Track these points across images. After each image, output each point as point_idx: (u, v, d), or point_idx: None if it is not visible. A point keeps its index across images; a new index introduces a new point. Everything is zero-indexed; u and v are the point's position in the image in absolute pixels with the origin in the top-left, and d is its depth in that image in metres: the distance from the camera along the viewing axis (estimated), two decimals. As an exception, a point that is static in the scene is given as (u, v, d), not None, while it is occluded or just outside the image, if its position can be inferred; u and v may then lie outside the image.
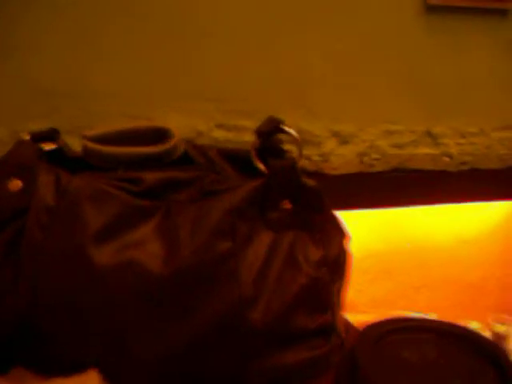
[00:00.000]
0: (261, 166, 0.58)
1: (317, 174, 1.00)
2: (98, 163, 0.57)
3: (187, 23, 0.88)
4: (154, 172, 0.55)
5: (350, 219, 1.18)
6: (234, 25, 0.91)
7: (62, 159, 0.59)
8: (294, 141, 0.61)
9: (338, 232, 0.62)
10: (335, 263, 0.59)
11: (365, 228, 1.24)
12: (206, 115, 0.93)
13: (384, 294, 1.31)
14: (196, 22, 0.89)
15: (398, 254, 1.30)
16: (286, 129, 0.60)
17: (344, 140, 1.02)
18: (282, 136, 0.63)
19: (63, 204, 0.51)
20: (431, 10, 1.03)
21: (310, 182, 0.59)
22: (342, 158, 1.02)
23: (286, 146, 0.67)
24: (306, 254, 0.56)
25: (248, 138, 0.94)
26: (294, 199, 0.58)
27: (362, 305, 1.21)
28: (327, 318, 0.58)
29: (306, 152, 0.98)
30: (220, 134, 0.93)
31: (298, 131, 0.95)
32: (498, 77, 1.14)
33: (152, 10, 0.86)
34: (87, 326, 0.50)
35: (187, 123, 0.91)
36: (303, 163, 0.98)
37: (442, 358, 0.31)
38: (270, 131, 0.60)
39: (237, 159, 0.63)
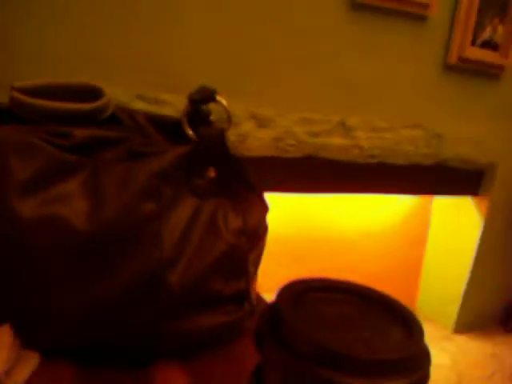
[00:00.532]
0: (190, 133, 0.58)
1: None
2: (26, 116, 0.55)
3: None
4: (83, 128, 0.54)
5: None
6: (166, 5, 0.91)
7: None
8: (224, 111, 0.61)
9: (260, 204, 0.63)
10: (254, 233, 0.60)
11: (274, 212, 1.27)
12: (127, 85, 0.91)
13: (287, 278, 1.35)
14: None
15: (304, 241, 1.34)
16: (219, 98, 0.61)
17: (262, 123, 1.03)
18: (213, 106, 0.64)
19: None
20: (357, 7, 1.07)
21: (235, 154, 0.60)
22: (258, 141, 1.03)
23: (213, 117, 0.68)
24: (227, 221, 0.57)
25: (168, 112, 0.94)
26: (220, 168, 0.58)
27: (267, 287, 1.24)
28: (242, 285, 0.60)
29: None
30: (140, 106, 0.92)
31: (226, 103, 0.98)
32: (412, 78, 1.20)
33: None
34: (7, 277, 0.49)
35: (108, 92, 0.89)
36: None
37: (357, 314, 0.34)
38: (203, 99, 0.60)
39: (164, 125, 0.63)
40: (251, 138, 1.03)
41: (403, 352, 0.30)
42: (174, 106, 0.95)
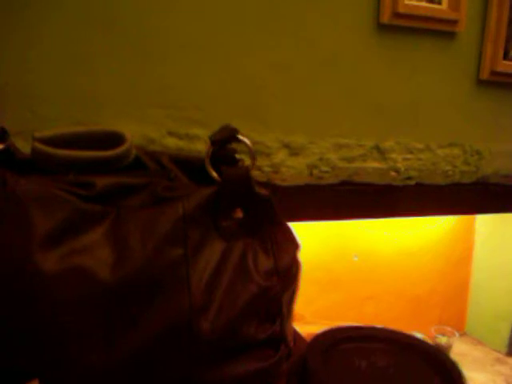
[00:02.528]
0: (214, 174, 0.57)
1: (267, 185, 1.01)
2: (47, 166, 0.55)
3: (143, 32, 0.88)
4: (105, 177, 0.54)
5: (299, 230, 1.20)
6: (189, 33, 0.91)
7: (9, 161, 0.57)
8: (247, 150, 0.61)
9: (290, 242, 0.62)
10: (286, 273, 0.59)
11: (313, 239, 1.25)
12: (157, 122, 0.92)
13: (331, 305, 1.32)
14: (152, 31, 0.89)
15: (346, 266, 1.32)
16: (241, 137, 0.60)
17: (294, 152, 1.03)
18: (235, 145, 0.64)
19: (9, 206, 0.49)
20: (383, 28, 1.06)
21: (263, 191, 0.59)
22: (292, 170, 1.03)
23: (239, 156, 0.67)
24: (257, 263, 0.56)
25: (199, 147, 0.94)
26: (247, 208, 0.57)
27: (309, 316, 1.22)
28: (276, 328, 0.58)
29: (257, 163, 0.99)
30: (171, 142, 0.93)
31: (251, 142, 0.97)
32: (444, 96, 1.18)
33: (109, 17, 0.85)
34: (31, 334, 0.49)
35: (138, 130, 0.90)
36: (254, 173, 0.98)
37: (391, 367, 0.32)
38: (225, 139, 0.60)
39: (189, 166, 0.62)
40: (284, 167, 1.02)
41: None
42: (205, 140, 0.95)
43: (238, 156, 0.65)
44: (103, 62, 0.87)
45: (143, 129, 0.91)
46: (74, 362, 0.49)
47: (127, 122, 0.90)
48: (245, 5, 0.94)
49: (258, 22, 0.96)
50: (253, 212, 0.58)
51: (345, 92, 1.06)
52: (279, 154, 1.01)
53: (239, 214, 0.57)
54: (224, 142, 0.59)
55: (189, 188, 0.57)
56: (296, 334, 0.67)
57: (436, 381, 0.30)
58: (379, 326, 1.18)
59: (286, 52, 0.99)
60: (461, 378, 0.30)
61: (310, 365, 0.29)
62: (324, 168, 1.06)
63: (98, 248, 0.50)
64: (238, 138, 0.60)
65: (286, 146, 1.02)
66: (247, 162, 0.63)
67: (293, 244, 0.62)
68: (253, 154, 0.60)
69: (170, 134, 0.93)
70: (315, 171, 1.05)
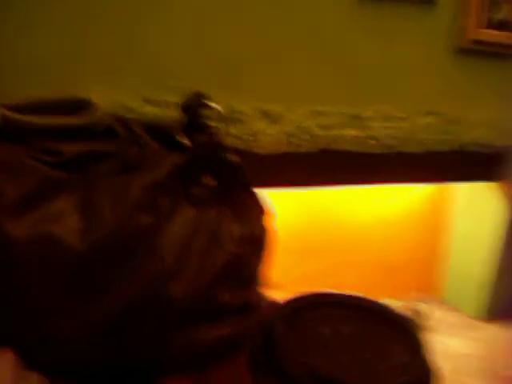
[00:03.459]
0: (185, 141, 0.57)
1: (246, 153, 1.01)
2: (16, 134, 0.55)
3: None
4: (74, 144, 0.54)
5: (277, 198, 1.20)
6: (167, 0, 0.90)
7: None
8: (219, 116, 0.60)
9: (261, 209, 0.63)
10: (258, 240, 0.60)
11: (291, 207, 1.25)
12: (134, 90, 0.91)
13: (310, 273, 1.34)
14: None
15: (323, 235, 1.33)
16: (211, 104, 0.60)
17: (272, 120, 1.02)
18: (209, 112, 0.63)
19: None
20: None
21: (234, 158, 0.59)
22: (270, 138, 1.03)
23: (213, 123, 0.67)
24: (229, 230, 0.57)
25: (176, 115, 0.93)
26: (217, 175, 0.58)
27: (288, 283, 1.23)
28: (248, 294, 0.59)
29: (236, 131, 0.98)
30: (149, 110, 0.92)
31: (229, 110, 0.97)
32: (424, 64, 1.18)
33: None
34: (5, 303, 0.49)
35: (116, 98, 0.89)
36: (233, 141, 0.98)
37: (355, 333, 0.32)
38: (195, 106, 0.60)
39: (160, 133, 0.62)
40: (263, 135, 1.02)
41: (405, 376, 0.29)
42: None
43: (213, 123, 0.65)
44: (80, 28, 0.85)
45: (121, 97, 0.89)
46: (47, 331, 0.50)
47: (104, 89, 0.89)
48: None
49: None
50: (224, 179, 0.58)
51: (323, 60, 1.06)
52: (258, 122, 1.01)
53: (210, 181, 0.57)
54: (194, 108, 0.59)
55: (159, 155, 0.57)
56: (268, 302, 0.68)
57: (399, 346, 0.31)
58: (348, 292, 1.21)
59: (263, 20, 0.98)
60: (420, 345, 0.30)
61: (274, 333, 0.29)
62: (302, 136, 1.06)
63: (67, 215, 0.50)
64: (207, 104, 0.59)
65: (265, 114, 1.01)
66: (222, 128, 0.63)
67: (264, 211, 0.63)
68: (224, 120, 0.60)
69: (147, 100, 0.92)
70: (293, 139, 1.05)
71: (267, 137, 1.03)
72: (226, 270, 0.55)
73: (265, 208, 0.63)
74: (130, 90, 0.91)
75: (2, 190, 0.48)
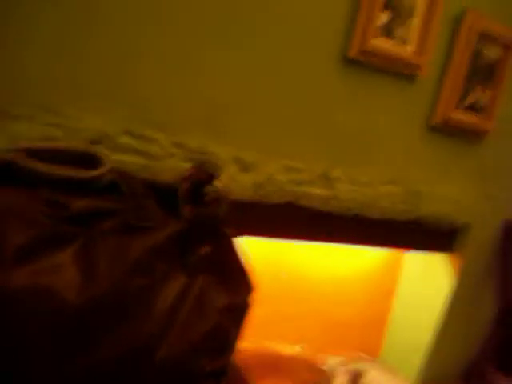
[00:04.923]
0: (186, 212, 0.59)
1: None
2: (27, 180, 0.55)
3: (114, 26, 0.87)
4: (80, 198, 0.55)
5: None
6: (158, 38, 0.91)
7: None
8: (221, 196, 0.62)
9: (246, 284, 0.65)
10: (239, 311, 0.62)
11: (248, 254, 1.27)
12: (116, 119, 0.91)
13: (255, 320, 1.34)
14: (123, 29, 0.88)
15: (276, 283, 1.34)
16: (217, 184, 0.62)
17: (245, 167, 1.04)
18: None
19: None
20: (349, 62, 1.09)
21: (230, 231, 0.61)
22: (239, 185, 1.04)
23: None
24: (215, 299, 0.58)
25: (153, 150, 0.94)
26: (212, 246, 0.59)
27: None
28: (223, 361, 0.60)
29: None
30: (127, 141, 0.92)
31: (203, 151, 0.98)
32: (396, 136, 1.23)
33: (79, 6, 0.84)
34: None
35: (97, 124, 0.89)
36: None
37: None
38: (201, 182, 0.62)
39: (162, 193, 0.63)
40: (232, 181, 1.03)
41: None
42: (160, 143, 0.95)
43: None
44: (72, 54, 0.86)
45: (102, 123, 0.89)
46: (36, 376, 0.49)
47: (86, 113, 0.89)
48: (216, 26, 0.95)
49: (224, 41, 0.97)
50: (217, 250, 0.60)
51: (303, 117, 1.08)
52: (230, 167, 1.02)
53: (204, 251, 0.59)
54: (200, 184, 0.61)
55: (159, 218, 0.58)
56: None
57: None
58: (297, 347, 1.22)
59: (250, 71, 1.00)
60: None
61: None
62: (271, 188, 1.07)
63: (66, 269, 0.51)
64: (213, 184, 0.62)
65: (238, 160, 1.03)
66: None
67: (248, 286, 0.65)
68: (225, 199, 0.62)
69: (127, 132, 0.92)
70: (262, 190, 1.06)
71: (236, 183, 1.04)
72: (208, 338, 0.57)
73: (250, 284, 0.65)
74: (114, 120, 0.91)
75: (6, 236, 0.48)
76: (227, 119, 1.01)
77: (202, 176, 0.62)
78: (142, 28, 0.89)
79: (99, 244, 0.53)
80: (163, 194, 0.63)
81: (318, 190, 1.13)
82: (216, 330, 0.58)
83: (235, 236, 0.62)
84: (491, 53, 1.32)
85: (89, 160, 0.60)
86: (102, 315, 0.51)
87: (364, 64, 1.11)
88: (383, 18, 1.09)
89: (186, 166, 0.95)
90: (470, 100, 1.33)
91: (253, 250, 1.27)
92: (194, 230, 0.58)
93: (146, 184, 0.63)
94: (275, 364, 1.30)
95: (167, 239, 0.55)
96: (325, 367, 1.38)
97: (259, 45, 1.00)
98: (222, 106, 1.00)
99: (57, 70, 0.85)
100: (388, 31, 1.11)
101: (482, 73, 1.33)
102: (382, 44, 1.10)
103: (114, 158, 0.89)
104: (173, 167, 0.95)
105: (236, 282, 0.62)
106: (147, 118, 0.94)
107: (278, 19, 1.00)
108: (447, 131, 1.30)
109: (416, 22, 1.14)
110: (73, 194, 0.55)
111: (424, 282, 1.57)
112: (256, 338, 1.27)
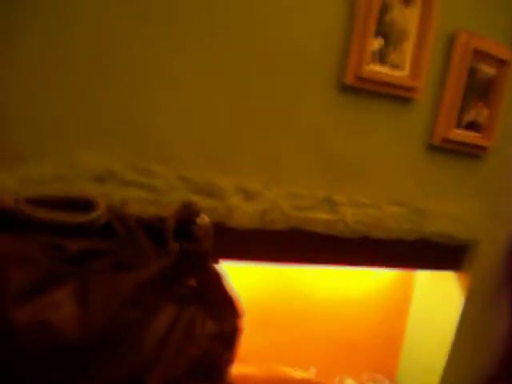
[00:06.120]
0: (173, 248, 0.62)
1: (220, 227, 1.04)
2: (28, 226, 0.59)
3: (113, 62, 0.91)
4: (77, 240, 0.58)
5: (245, 271, 1.23)
6: (158, 72, 0.94)
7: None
8: (205, 231, 0.66)
9: (234, 310, 0.68)
10: (228, 337, 0.64)
11: (258, 281, 1.28)
12: (119, 155, 0.94)
13: (268, 344, 1.35)
14: (121, 63, 0.91)
15: (284, 307, 1.35)
16: (200, 221, 0.66)
17: (249, 196, 1.06)
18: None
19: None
20: (346, 89, 1.12)
21: (215, 265, 0.64)
22: (245, 214, 1.06)
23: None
24: (203, 327, 0.61)
25: (158, 184, 0.97)
26: (200, 278, 0.62)
27: (245, 354, 1.24)
28: None
29: (212, 204, 1.02)
30: (132, 177, 0.95)
31: (207, 183, 1.01)
32: (397, 158, 1.25)
33: (78, 45, 0.88)
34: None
35: (101, 162, 0.92)
36: (209, 214, 1.01)
37: None
38: (186, 220, 0.65)
39: (154, 231, 0.67)
40: (238, 210, 1.05)
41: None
42: (165, 178, 0.97)
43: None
44: (75, 93, 0.89)
45: (108, 162, 0.92)
46: None
47: (90, 151, 0.92)
48: (219, 60, 0.99)
49: (223, 73, 1.00)
50: (205, 281, 0.63)
51: (303, 144, 1.11)
52: (234, 197, 1.04)
53: (192, 282, 0.62)
54: (185, 222, 0.65)
55: (151, 254, 0.61)
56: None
57: None
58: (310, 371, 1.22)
59: (251, 101, 1.03)
60: None
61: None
62: (276, 215, 1.09)
63: (64, 305, 0.55)
64: (196, 221, 0.65)
65: (242, 190, 1.05)
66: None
67: (236, 312, 0.67)
68: (210, 235, 0.65)
69: (131, 167, 0.95)
70: (267, 217, 1.09)
71: (242, 212, 1.06)
72: (198, 364, 0.59)
73: (238, 310, 0.68)
74: (116, 155, 0.94)
75: (10, 279, 0.52)
76: (229, 150, 1.04)
77: (187, 214, 0.65)
78: (142, 69, 0.93)
79: (94, 282, 0.57)
80: (155, 230, 0.66)
81: (322, 215, 1.15)
82: (206, 356, 0.61)
83: (221, 267, 0.65)
84: (487, 70, 1.34)
85: (85, 203, 0.63)
86: (98, 346, 0.55)
87: (361, 90, 1.14)
88: (376, 44, 1.12)
89: (191, 199, 0.98)
90: (468, 118, 1.35)
91: (262, 275, 1.29)
92: (181, 264, 0.61)
93: (139, 221, 0.66)
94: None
95: (156, 274, 0.60)
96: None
97: (258, 76, 1.03)
98: (223, 137, 1.03)
99: (63, 112, 0.89)
100: (382, 57, 1.14)
101: (480, 90, 1.35)
102: (376, 69, 1.13)
103: (120, 194, 0.93)
104: (178, 200, 0.98)
105: (223, 309, 0.66)
106: (151, 153, 0.97)
107: (275, 50, 1.04)
108: (448, 150, 1.32)
109: (408, 46, 1.17)
110: (70, 237, 0.59)
111: (436, 301, 1.57)
112: (269, 362, 1.28)
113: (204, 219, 0.66)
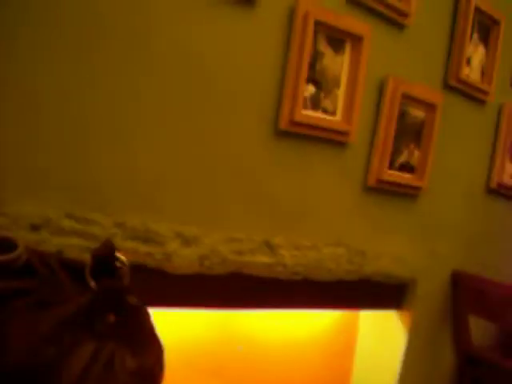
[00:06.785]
0: (92, 284, 0.63)
1: (158, 272, 1.03)
2: None
3: (44, 110, 0.91)
4: None
5: (187, 318, 1.22)
6: (92, 120, 0.95)
7: None
8: (124, 268, 0.67)
9: (156, 345, 0.68)
10: (149, 373, 0.64)
11: (201, 328, 1.27)
12: (56, 204, 0.93)
13: (214, 392, 1.33)
14: (52, 110, 0.92)
15: (230, 354, 1.34)
16: (118, 257, 0.66)
17: (187, 241, 1.06)
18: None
19: None
20: (281, 134, 1.15)
21: (135, 301, 0.65)
22: (183, 259, 1.06)
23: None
24: (124, 363, 0.61)
25: (96, 231, 0.96)
26: (119, 314, 0.63)
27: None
28: None
29: (149, 250, 1.01)
30: (68, 224, 0.94)
31: (145, 230, 1.00)
32: (334, 199, 1.28)
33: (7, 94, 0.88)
34: None
35: (37, 211, 0.91)
36: (146, 260, 1.01)
37: None
38: (104, 257, 0.66)
39: (74, 268, 0.67)
40: (176, 256, 1.05)
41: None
42: (102, 225, 0.97)
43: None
44: (12, 141, 0.88)
45: (42, 209, 0.91)
46: None
47: (27, 200, 0.90)
48: (155, 106, 1.01)
49: (157, 119, 1.01)
50: (124, 318, 0.63)
51: (240, 188, 1.13)
52: (172, 243, 1.04)
53: (112, 318, 0.62)
54: (103, 258, 0.66)
55: (70, 292, 0.61)
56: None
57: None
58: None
59: (186, 148, 1.05)
60: None
61: None
62: (215, 259, 1.10)
63: None
64: (115, 256, 0.66)
65: (179, 235, 1.05)
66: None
67: (158, 347, 0.68)
68: (127, 270, 0.67)
69: (68, 215, 0.94)
70: (206, 262, 1.09)
71: (180, 258, 1.06)
72: None
73: (159, 345, 0.68)
74: (53, 203, 0.93)
75: None
76: (166, 196, 1.04)
77: (107, 252, 0.66)
78: (76, 117, 0.93)
79: (14, 320, 0.57)
80: (76, 269, 0.66)
81: (261, 258, 1.16)
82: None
83: (142, 303, 0.66)
84: (416, 113, 1.40)
85: (4, 244, 0.63)
86: (17, 382, 0.55)
87: (295, 134, 1.17)
88: (310, 90, 1.16)
89: (127, 245, 0.98)
90: (401, 160, 1.40)
91: (202, 320, 1.28)
92: (100, 300, 0.61)
93: (59, 260, 0.67)
94: None
95: (74, 311, 0.60)
96: None
97: (194, 123, 1.05)
98: (159, 183, 1.03)
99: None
100: (314, 103, 1.18)
101: (411, 133, 1.41)
102: (310, 115, 1.17)
103: (56, 242, 0.92)
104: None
105: (145, 345, 0.66)
106: (87, 200, 0.96)
107: (210, 100, 1.06)
108: (383, 191, 1.36)
109: (340, 92, 1.21)
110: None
111: (380, 340, 1.59)
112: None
113: (122, 257, 0.67)
